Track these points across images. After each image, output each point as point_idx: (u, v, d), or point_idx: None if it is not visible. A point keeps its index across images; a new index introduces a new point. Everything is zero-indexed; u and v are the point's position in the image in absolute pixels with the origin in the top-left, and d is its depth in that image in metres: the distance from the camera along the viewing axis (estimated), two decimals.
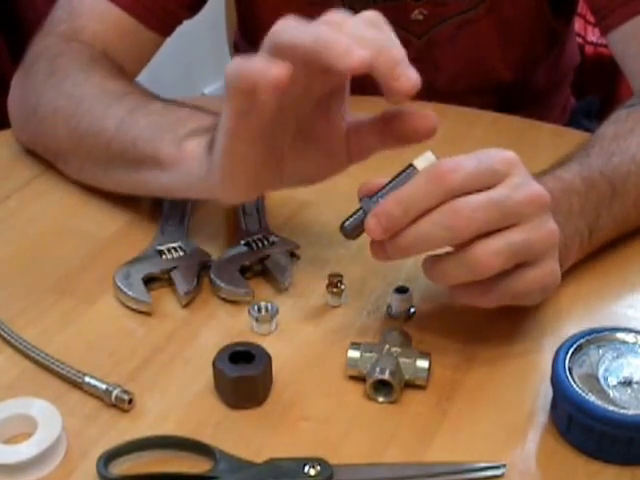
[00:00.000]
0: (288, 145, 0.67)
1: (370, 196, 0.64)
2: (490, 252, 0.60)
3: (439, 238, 0.61)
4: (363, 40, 0.58)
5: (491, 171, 0.61)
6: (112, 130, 0.78)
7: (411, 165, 0.63)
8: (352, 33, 0.59)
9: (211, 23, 1.43)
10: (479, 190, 0.60)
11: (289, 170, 0.68)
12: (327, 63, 0.58)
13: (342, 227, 0.65)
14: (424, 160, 0.62)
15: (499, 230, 0.61)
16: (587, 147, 0.76)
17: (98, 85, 0.84)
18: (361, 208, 0.64)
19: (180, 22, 1.01)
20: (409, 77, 0.59)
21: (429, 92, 1.08)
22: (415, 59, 1.11)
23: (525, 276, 0.62)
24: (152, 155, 0.74)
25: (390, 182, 0.63)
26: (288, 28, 0.60)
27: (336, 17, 0.60)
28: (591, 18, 1.43)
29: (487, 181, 0.61)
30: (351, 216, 0.65)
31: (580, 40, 1.48)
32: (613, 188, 0.73)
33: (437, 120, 0.63)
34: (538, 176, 0.66)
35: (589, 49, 1.49)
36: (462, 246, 0.61)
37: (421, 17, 1.03)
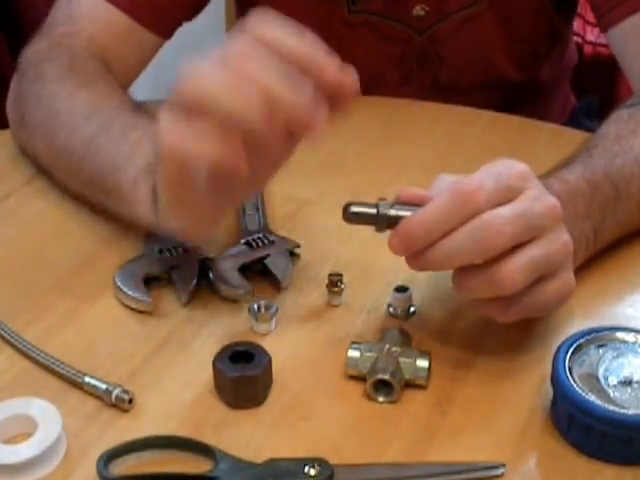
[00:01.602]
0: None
1: (392, 204, 0.64)
2: (515, 268, 0.60)
3: (470, 252, 0.61)
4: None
5: (508, 187, 0.61)
6: (80, 154, 0.79)
7: None
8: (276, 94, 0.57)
9: (211, 23, 1.43)
10: (500, 206, 0.61)
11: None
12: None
13: (346, 209, 0.64)
14: None
15: (521, 245, 0.61)
16: (590, 148, 0.76)
17: (69, 98, 0.84)
18: (376, 205, 0.64)
19: (180, 24, 1.00)
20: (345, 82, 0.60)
21: (433, 87, 1.09)
22: (417, 55, 1.12)
23: (544, 290, 0.63)
24: (116, 189, 0.74)
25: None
26: (223, 93, 0.57)
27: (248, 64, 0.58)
28: (590, 18, 1.43)
29: (506, 197, 0.61)
30: (362, 204, 0.64)
31: (579, 40, 1.48)
32: (617, 190, 0.73)
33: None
34: (542, 178, 0.66)
35: (588, 49, 1.49)
36: (488, 262, 0.61)
37: (423, 13, 1.03)
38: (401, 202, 0.64)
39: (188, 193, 0.62)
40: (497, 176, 0.62)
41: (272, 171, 0.65)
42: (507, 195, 0.61)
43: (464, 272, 0.63)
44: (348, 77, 0.60)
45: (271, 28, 0.60)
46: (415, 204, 0.63)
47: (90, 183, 0.79)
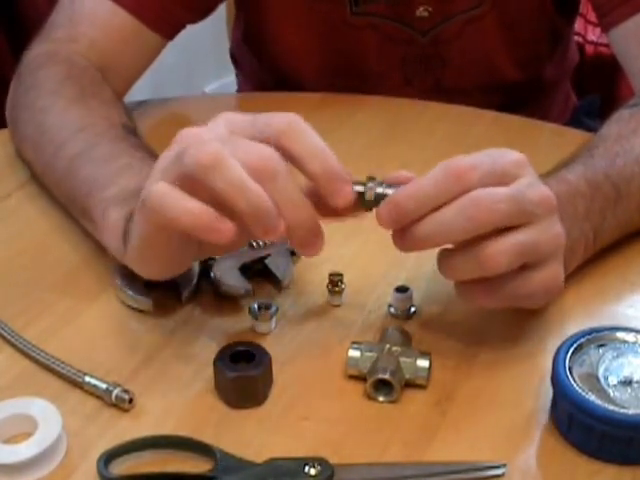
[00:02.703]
0: None
1: (380, 182, 0.63)
2: (500, 250, 0.60)
3: (459, 229, 0.60)
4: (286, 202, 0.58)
5: (504, 171, 0.61)
6: (61, 172, 0.79)
7: None
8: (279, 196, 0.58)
9: (212, 22, 1.43)
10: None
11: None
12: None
13: None
14: None
15: (510, 229, 0.61)
16: (590, 148, 0.76)
17: (60, 114, 0.84)
18: (364, 184, 0.63)
19: (184, 26, 1.01)
20: (343, 195, 0.61)
21: (436, 89, 1.09)
22: (420, 56, 1.12)
23: (530, 278, 0.62)
24: (87, 213, 0.75)
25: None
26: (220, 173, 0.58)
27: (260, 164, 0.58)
28: (591, 17, 1.43)
29: (499, 180, 0.61)
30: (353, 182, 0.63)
31: (580, 39, 1.48)
32: (617, 191, 0.73)
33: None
34: (542, 177, 0.66)
35: (589, 48, 1.49)
36: (473, 242, 0.61)
37: (426, 14, 1.03)
38: (390, 182, 0.63)
39: (162, 243, 0.62)
40: (493, 159, 0.62)
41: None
42: (501, 179, 0.61)
43: (449, 251, 0.63)
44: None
45: (299, 135, 0.60)
46: (404, 184, 0.63)
47: (68, 200, 0.80)
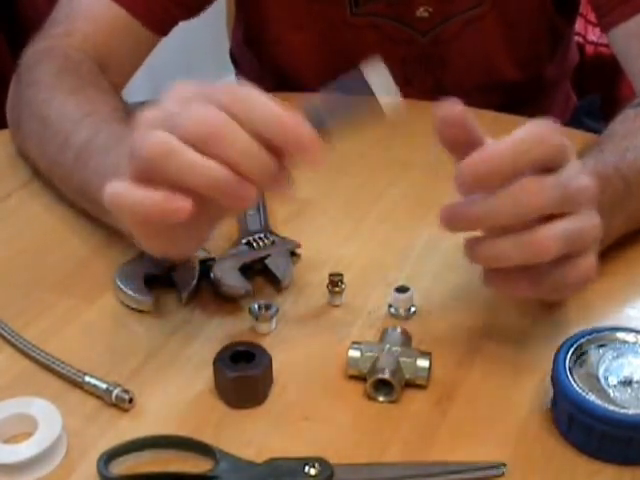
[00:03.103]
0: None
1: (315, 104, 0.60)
2: (551, 235, 0.59)
3: (506, 212, 0.59)
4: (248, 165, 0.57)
5: (551, 157, 0.60)
6: (70, 165, 0.79)
7: (359, 70, 0.59)
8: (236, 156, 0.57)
9: (212, 23, 1.43)
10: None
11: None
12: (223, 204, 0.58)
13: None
14: (374, 68, 0.59)
15: (556, 216, 0.60)
16: (600, 143, 0.76)
17: (60, 106, 0.84)
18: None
19: (176, 22, 1.00)
20: (309, 149, 0.58)
21: (436, 89, 1.09)
22: (420, 56, 1.12)
23: (575, 266, 0.62)
24: (101, 200, 0.74)
25: (337, 82, 0.60)
26: (173, 159, 0.57)
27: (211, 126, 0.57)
28: (592, 17, 1.43)
29: (546, 166, 0.60)
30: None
31: (580, 39, 1.48)
32: (628, 185, 0.72)
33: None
34: None
35: (589, 48, 1.49)
36: (523, 227, 0.60)
37: (426, 14, 1.03)
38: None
39: (150, 229, 0.62)
40: (542, 141, 0.60)
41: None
42: (548, 164, 0.60)
43: (491, 238, 0.61)
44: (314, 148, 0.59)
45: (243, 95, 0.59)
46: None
47: (79, 193, 0.79)
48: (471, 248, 0.62)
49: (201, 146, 0.57)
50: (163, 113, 0.59)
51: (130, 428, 0.62)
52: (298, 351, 0.69)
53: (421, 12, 1.03)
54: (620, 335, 0.63)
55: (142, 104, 1.00)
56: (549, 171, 0.60)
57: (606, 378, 0.60)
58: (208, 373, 0.65)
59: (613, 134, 0.78)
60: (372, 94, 0.57)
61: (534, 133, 0.60)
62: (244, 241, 0.77)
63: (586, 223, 0.62)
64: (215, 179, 0.57)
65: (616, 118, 0.82)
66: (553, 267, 0.61)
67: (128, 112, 0.84)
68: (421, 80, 1.09)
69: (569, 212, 0.61)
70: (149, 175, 0.58)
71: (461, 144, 0.61)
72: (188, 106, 0.58)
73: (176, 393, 0.65)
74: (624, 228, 0.75)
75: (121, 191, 0.59)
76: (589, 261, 0.63)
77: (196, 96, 0.59)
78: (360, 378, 0.65)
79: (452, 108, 0.61)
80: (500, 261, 0.61)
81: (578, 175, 0.61)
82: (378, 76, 0.58)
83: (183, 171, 0.57)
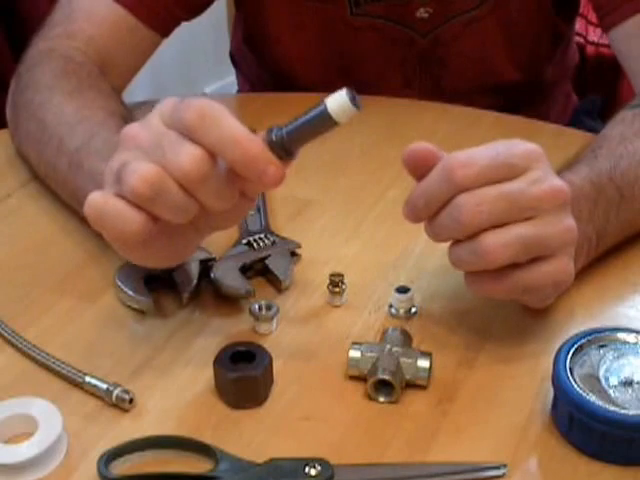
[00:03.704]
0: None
1: (279, 127, 0.60)
2: (498, 242, 0.60)
3: (450, 230, 0.62)
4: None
5: (508, 165, 0.61)
6: (65, 169, 0.79)
7: (323, 102, 0.58)
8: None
9: (212, 23, 1.43)
10: (497, 182, 0.61)
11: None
12: None
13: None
14: (336, 98, 0.58)
15: (512, 222, 0.61)
16: (594, 148, 0.76)
17: (57, 109, 0.84)
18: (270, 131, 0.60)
19: (178, 23, 1.01)
20: (269, 176, 0.59)
21: (436, 90, 1.09)
22: (419, 57, 1.12)
23: (539, 270, 0.62)
24: None
25: (302, 116, 0.59)
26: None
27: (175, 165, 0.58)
28: (592, 18, 1.43)
29: (504, 175, 0.61)
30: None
31: (581, 40, 1.48)
32: (621, 194, 0.72)
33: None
34: None
35: (590, 49, 1.49)
36: (474, 235, 0.61)
37: (426, 15, 1.03)
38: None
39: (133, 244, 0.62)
40: (498, 152, 0.62)
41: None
42: (506, 173, 0.61)
43: (455, 244, 0.63)
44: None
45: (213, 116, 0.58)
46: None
47: (73, 198, 0.79)
48: (448, 252, 0.64)
49: (140, 203, 0.58)
50: (117, 164, 0.60)
51: (130, 428, 0.62)
52: (299, 351, 0.69)
53: (421, 13, 1.03)
54: (621, 336, 0.63)
55: (142, 104, 1.01)
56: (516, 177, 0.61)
57: (607, 379, 0.60)
58: (208, 373, 0.65)
59: (609, 138, 0.78)
60: (324, 107, 0.58)
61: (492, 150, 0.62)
62: (244, 241, 0.77)
63: (549, 228, 0.61)
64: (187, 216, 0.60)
65: (614, 119, 0.81)
66: (514, 270, 0.62)
67: (127, 114, 0.85)
68: (421, 81, 1.09)
69: (530, 217, 0.61)
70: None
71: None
72: (137, 158, 0.59)
73: (176, 393, 0.65)
74: (620, 234, 0.75)
75: (105, 207, 0.60)
76: (558, 264, 0.63)
77: (172, 118, 0.59)
78: (360, 378, 0.65)
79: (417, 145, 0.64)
80: (461, 266, 0.64)
81: (540, 179, 0.61)
82: (334, 95, 0.58)
83: (167, 212, 0.59)
